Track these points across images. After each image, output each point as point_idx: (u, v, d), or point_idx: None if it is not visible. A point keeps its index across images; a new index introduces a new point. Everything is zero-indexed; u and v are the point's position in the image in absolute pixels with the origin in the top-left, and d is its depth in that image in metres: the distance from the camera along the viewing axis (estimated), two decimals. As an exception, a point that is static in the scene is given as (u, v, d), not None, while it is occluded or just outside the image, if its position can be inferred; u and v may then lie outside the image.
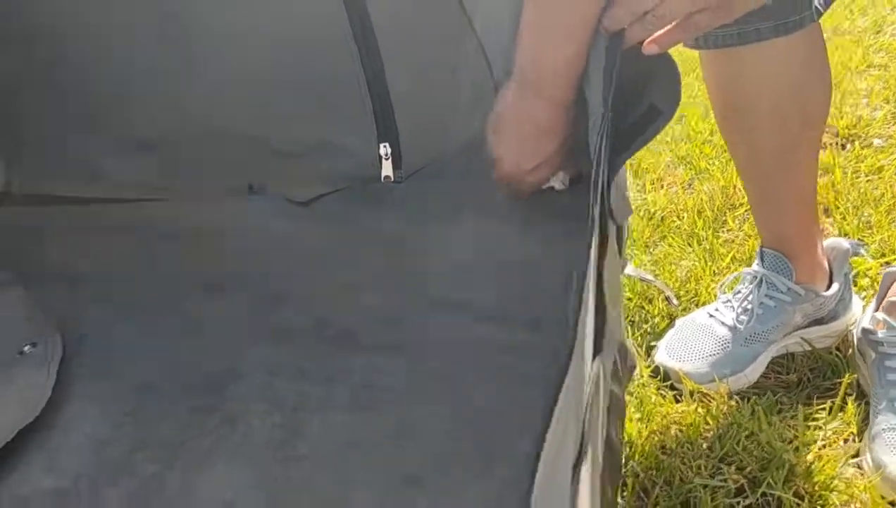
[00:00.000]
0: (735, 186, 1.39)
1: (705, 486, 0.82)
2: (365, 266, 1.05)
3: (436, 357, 0.87)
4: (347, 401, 0.84)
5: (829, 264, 1.05)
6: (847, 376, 0.97)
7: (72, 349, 0.93)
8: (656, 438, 0.90)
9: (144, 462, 0.79)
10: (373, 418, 0.81)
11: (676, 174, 1.48)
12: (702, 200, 1.36)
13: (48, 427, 0.82)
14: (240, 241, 1.13)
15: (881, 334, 0.94)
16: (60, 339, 0.94)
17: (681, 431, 0.90)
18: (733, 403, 0.95)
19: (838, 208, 1.35)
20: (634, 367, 0.78)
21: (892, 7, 2.48)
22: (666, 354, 1.01)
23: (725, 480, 0.83)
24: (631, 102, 0.72)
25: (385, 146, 1.15)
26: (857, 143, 1.58)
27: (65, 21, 1.12)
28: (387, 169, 1.16)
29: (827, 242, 1.06)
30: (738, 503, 0.80)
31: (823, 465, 0.85)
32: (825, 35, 0.93)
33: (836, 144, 1.60)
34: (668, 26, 0.67)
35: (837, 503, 0.82)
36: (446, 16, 1.01)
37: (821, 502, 0.81)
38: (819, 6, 0.88)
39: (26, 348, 0.93)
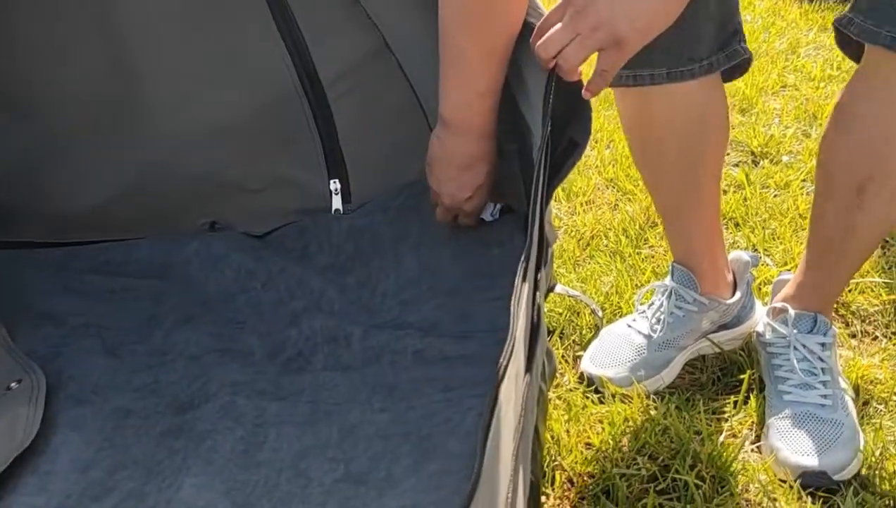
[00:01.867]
0: (645, 210, 1.52)
1: (622, 475, 0.94)
2: (316, 293, 1.16)
3: (378, 371, 0.98)
4: (300, 415, 0.95)
5: (734, 274, 1.19)
6: (749, 373, 1.10)
7: (53, 382, 1.02)
8: (582, 436, 1.02)
9: (125, 479, 0.88)
10: (322, 428, 0.91)
11: (604, 196, 1.61)
12: (626, 219, 1.50)
13: (38, 454, 0.91)
14: (204, 273, 1.23)
15: (768, 336, 1.08)
16: (42, 374, 1.03)
17: (603, 429, 1.03)
18: (650, 402, 1.07)
19: (747, 221, 1.49)
20: (556, 369, 0.91)
21: (809, 28, 2.67)
22: (590, 362, 1.13)
23: (640, 469, 0.95)
24: (555, 138, 0.85)
25: (335, 182, 1.27)
26: (767, 160, 1.73)
27: (37, 83, 1.21)
28: (336, 203, 1.28)
29: (730, 255, 1.20)
30: (651, 488, 0.92)
31: (726, 452, 0.98)
32: None
33: (749, 161, 1.75)
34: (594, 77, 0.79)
35: (738, 483, 0.95)
36: (386, 69, 1.13)
37: (722, 483, 0.94)
38: (720, 61, 1.02)
39: (13, 384, 1.02)
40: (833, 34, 0.96)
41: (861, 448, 0.97)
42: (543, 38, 0.79)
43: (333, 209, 1.28)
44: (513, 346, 0.58)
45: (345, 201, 1.27)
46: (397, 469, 0.83)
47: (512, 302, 0.63)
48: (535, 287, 0.72)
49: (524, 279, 0.65)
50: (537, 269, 0.73)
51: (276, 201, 1.30)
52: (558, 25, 0.78)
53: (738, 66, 1.04)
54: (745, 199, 1.57)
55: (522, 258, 0.67)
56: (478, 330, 0.99)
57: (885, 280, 1.29)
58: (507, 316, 0.63)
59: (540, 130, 0.80)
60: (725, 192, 1.62)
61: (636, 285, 1.31)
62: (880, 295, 1.26)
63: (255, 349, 1.07)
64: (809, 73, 2.25)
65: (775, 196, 1.58)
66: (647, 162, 1.12)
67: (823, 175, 1.01)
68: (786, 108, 2.01)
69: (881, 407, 1.05)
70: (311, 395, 0.97)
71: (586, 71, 0.79)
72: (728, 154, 1.80)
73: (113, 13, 1.17)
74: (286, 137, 1.24)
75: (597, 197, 1.61)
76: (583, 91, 0.81)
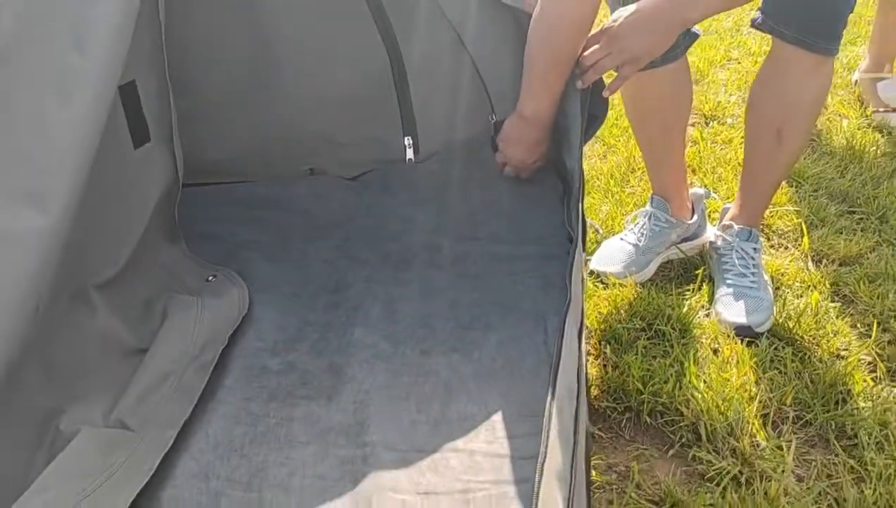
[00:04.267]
0: (634, 157, 2.03)
1: (624, 328, 1.46)
2: (406, 217, 1.64)
3: (464, 267, 1.47)
4: (416, 294, 1.44)
5: (693, 204, 1.71)
6: (702, 269, 1.63)
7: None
8: (595, 308, 1.54)
9: (310, 332, 1.37)
10: (434, 301, 1.40)
11: (595, 149, 2.12)
12: (612, 166, 2.01)
13: (248, 319, 1.39)
14: (316, 205, 1.71)
15: (719, 243, 1.61)
16: (230, 269, 1.50)
17: (608, 304, 1.55)
18: (638, 288, 1.60)
19: (701, 168, 2.01)
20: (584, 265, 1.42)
21: (752, 8, 3.18)
22: (597, 263, 1.65)
23: (634, 325, 1.47)
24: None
25: (408, 138, 1.74)
26: (715, 122, 2.26)
27: (196, 63, 1.65)
28: (409, 154, 1.75)
29: (691, 190, 1.72)
30: (642, 336, 1.45)
31: (688, 315, 1.50)
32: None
33: (702, 123, 2.27)
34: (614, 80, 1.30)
35: (696, 333, 1.47)
36: (459, 60, 1.60)
37: (685, 333, 1.46)
38: (684, 46, 1.52)
39: (210, 278, 1.49)
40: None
41: (773, 313, 1.51)
42: (587, 52, 1.28)
43: (406, 159, 1.76)
44: (575, 247, 1.08)
45: (415, 152, 1.75)
46: (492, 320, 1.34)
47: (572, 215, 1.14)
48: (582, 216, 1.23)
49: (577, 216, 1.15)
50: (582, 206, 1.24)
51: (362, 153, 1.77)
52: (596, 45, 1.28)
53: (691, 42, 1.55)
54: (699, 151, 2.09)
55: (573, 199, 1.18)
56: (529, 238, 1.49)
57: (795, 209, 1.83)
58: (548, 227, 1.12)
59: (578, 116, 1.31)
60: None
61: (623, 212, 1.82)
62: (792, 219, 1.80)
63: (370, 257, 1.55)
64: (750, 49, 2.77)
65: (721, 149, 2.10)
66: (640, 125, 1.62)
67: (752, 125, 1.52)
68: (730, 78, 2.53)
69: (787, 289, 1.59)
70: (421, 283, 1.46)
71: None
72: (686, 116, 2.32)
73: (258, 12, 1.61)
74: (375, 104, 1.71)
75: (589, 150, 2.12)
76: (604, 91, 1.31)
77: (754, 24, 1.44)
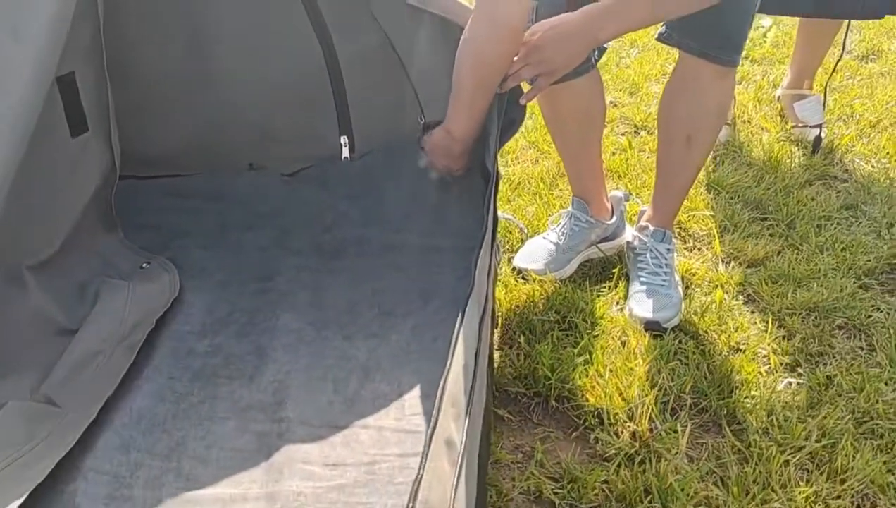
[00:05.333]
0: (558, 164, 2.12)
1: (538, 320, 1.54)
2: (341, 210, 1.71)
3: (391, 257, 1.55)
4: (344, 282, 1.51)
5: (612, 205, 1.80)
6: (619, 268, 1.72)
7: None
8: (513, 302, 1.62)
9: (238, 316, 1.43)
10: (360, 289, 1.48)
11: (528, 154, 2.21)
12: (543, 170, 2.10)
13: (179, 304, 1.45)
14: (255, 198, 1.77)
15: (635, 243, 1.70)
16: (164, 258, 1.56)
17: (526, 298, 1.63)
18: (557, 284, 1.68)
19: (627, 173, 2.11)
20: (500, 259, 1.50)
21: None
22: (519, 260, 1.73)
23: (549, 317, 1.56)
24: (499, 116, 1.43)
25: (344, 138, 1.81)
26: (645, 131, 2.36)
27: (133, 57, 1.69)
28: (345, 152, 1.82)
29: (611, 193, 1.81)
30: (555, 327, 1.53)
31: (602, 310, 1.59)
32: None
33: (632, 132, 2.38)
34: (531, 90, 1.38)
35: (608, 326, 1.56)
36: (388, 60, 1.67)
37: (597, 324, 1.55)
38: (595, 59, 1.61)
39: (144, 264, 1.54)
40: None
41: (681, 310, 1.60)
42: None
43: (343, 157, 1.83)
44: (483, 239, 1.16)
45: (351, 151, 1.82)
46: (412, 307, 1.41)
47: (485, 209, 1.22)
48: (494, 212, 1.31)
49: (488, 211, 1.23)
50: (494, 202, 1.33)
51: (299, 149, 1.83)
52: (517, 57, 1.35)
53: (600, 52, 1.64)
54: (627, 159, 2.19)
55: (487, 196, 1.25)
56: (453, 232, 1.57)
57: (711, 214, 1.93)
58: (472, 222, 1.20)
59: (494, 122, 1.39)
60: (614, 153, 2.24)
61: (549, 213, 1.91)
62: (707, 223, 1.90)
63: (304, 247, 1.62)
64: (684, 64, 2.89)
65: (648, 158, 2.21)
66: (557, 132, 1.71)
67: (663, 131, 1.62)
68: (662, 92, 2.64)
69: (696, 288, 1.69)
70: (350, 273, 1.53)
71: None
72: (618, 126, 2.43)
73: (193, 5, 1.66)
74: (312, 102, 1.77)
75: (522, 155, 2.21)
76: (520, 99, 1.39)
77: (660, 38, 1.54)
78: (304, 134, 1.81)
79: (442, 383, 0.95)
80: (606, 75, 2.75)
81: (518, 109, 1.50)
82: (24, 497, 1.01)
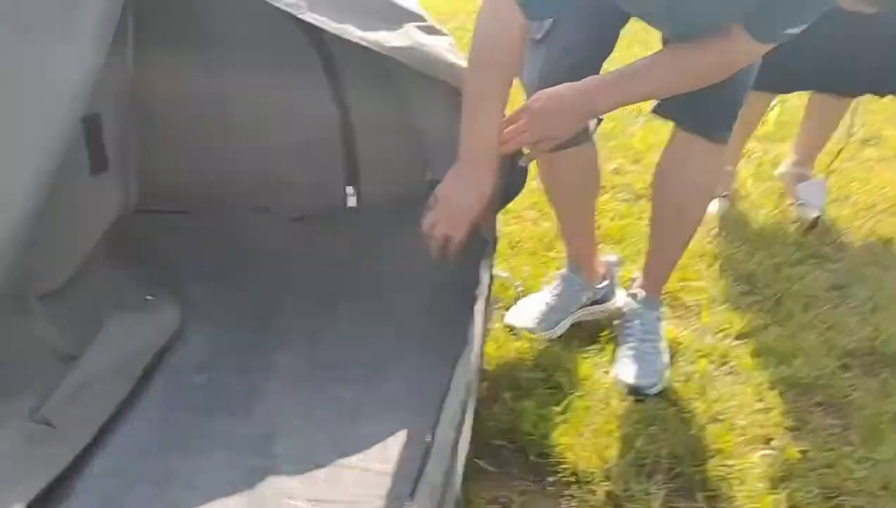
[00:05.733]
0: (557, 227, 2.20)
1: (525, 377, 1.60)
2: (337, 257, 1.77)
3: (392, 306, 1.61)
4: (338, 326, 1.57)
5: (605, 270, 1.86)
6: (608, 331, 1.77)
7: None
8: (502, 357, 1.67)
9: (237, 352, 1.49)
10: (352, 332, 1.54)
11: (529, 214, 2.28)
12: (542, 231, 2.17)
13: (179, 336, 1.51)
14: (258, 239, 1.83)
15: (625, 309, 1.76)
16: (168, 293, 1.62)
17: (515, 354, 1.68)
18: (547, 343, 1.73)
19: (625, 239, 2.18)
20: (493, 316, 1.56)
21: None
22: (512, 317, 1.79)
23: (535, 374, 1.61)
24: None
25: (350, 188, 1.89)
26: (645, 199, 2.43)
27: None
28: (351, 202, 1.90)
29: (604, 258, 1.88)
30: (541, 384, 1.58)
31: (587, 371, 1.64)
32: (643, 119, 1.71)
33: (633, 199, 2.45)
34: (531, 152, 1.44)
35: (592, 387, 1.61)
36: (400, 122, 1.75)
37: (583, 386, 1.60)
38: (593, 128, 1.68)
39: (148, 297, 1.61)
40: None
41: (665, 377, 1.65)
42: (509, 128, 1.43)
43: (348, 206, 1.90)
44: (477, 298, 1.22)
45: (358, 201, 1.90)
46: (407, 356, 1.47)
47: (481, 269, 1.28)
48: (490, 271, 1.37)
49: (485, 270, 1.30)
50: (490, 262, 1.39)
51: (304, 196, 1.91)
52: (520, 122, 1.42)
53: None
54: (626, 226, 2.26)
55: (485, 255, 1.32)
56: (452, 286, 1.62)
57: (703, 285, 1.99)
58: (470, 280, 1.27)
59: None
60: (612, 219, 2.31)
61: (545, 273, 1.97)
62: (699, 294, 1.96)
63: (305, 290, 1.68)
64: (688, 137, 2.97)
65: (646, 225, 2.26)
66: (553, 196, 1.78)
67: (657, 204, 1.69)
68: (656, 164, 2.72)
69: (681, 356, 1.74)
70: (347, 319, 1.59)
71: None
72: (619, 193, 2.51)
73: (216, 57, 1.75)
74: (324, 155, 1.85)
75: (523, 214, 2.28)
76: (520, 161, 1.46)
77: (655, 111, 1.61)
78: (313, 182, 1.89)
79: (432, 433, 1.01)
80: (612, 143, 2.84)
81: (520, 171, 1.57)
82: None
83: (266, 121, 1.83)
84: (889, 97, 2.32)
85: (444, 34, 1.52)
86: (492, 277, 1.43)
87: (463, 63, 1.46)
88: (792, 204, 2.42)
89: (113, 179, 1.60)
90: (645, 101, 1.55)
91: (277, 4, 1.27)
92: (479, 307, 1.31)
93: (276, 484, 1.21)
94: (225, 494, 1.19)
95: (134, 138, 1.63)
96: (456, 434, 1.09)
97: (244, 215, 1.90)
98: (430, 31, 1.48)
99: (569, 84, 1.43)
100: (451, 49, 1.50)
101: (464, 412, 1.14)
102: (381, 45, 1.37)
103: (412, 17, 1.46)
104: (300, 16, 1.30)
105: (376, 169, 1.88)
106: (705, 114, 1.55)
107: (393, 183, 1.86)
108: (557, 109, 1.43)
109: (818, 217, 2.28)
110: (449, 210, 1.43)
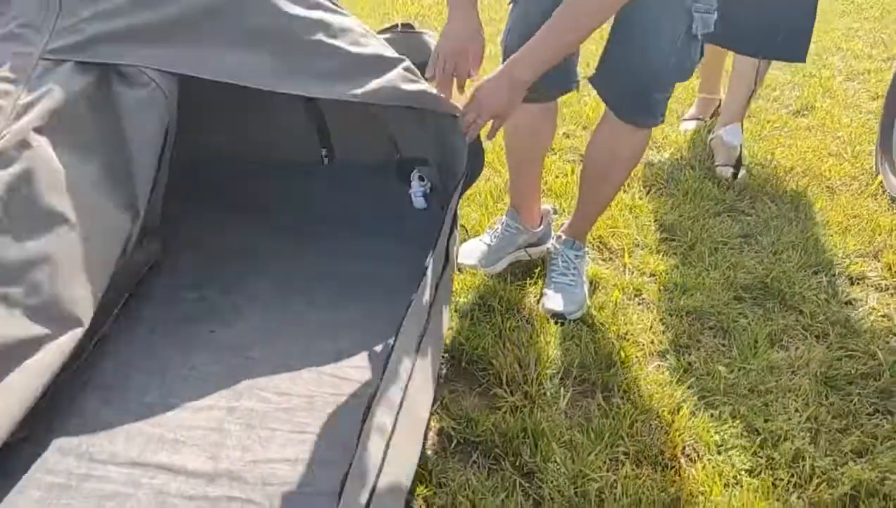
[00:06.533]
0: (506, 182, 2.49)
1: (464, 302, 1.90)
2: (314, 201, 2.07)
3: (357, 245, 1.90)
4: (313, 256, 1.87)
5: (542, 217, 2.16)
6: (540, 270, 2.07)
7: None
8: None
9: (224, 277, 1.78)
10: (318, 265, 1.84)
11: (483, 173, 2.57)
12: (492, 187, 2.47)
13: (173, 263, 1.81)
14: (239, 185, 2.12)
15: (551, 248, 2.06)
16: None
17: (458, 286, 1.98)
18: (486, 278, 2.03)
19: (565, 194, 2.48)
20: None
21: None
22: (459, 257, 2.09)
23: (472, 300, 1.91)
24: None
25: (324, 150, 2.18)
26: (588, 160, 2.72)
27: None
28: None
29: (543, 206, 2.17)
30: (477, 308, 1.88)
31: (518, 299, 1.94)
32: None
33: (578, 161, 2.74)
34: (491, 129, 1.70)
35: (522, 312, 1.91)
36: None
37: (512, 310, 1.90)
38: (555, 93, 1.96)
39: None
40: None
41: (584, 306, 1.95)
42: (466, 120, 1.68)
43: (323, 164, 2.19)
44: (437, 242, 1.51)
45: (330, 162, 2.19)
46: (370, 290, 1.77)
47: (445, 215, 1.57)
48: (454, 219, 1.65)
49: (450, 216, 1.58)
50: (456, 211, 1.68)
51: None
52: (469, 113, 1.67)
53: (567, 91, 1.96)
54: (567, 183, 2.55)
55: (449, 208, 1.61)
56: (415, 235, 1.92)
57: (626, 232, 2.29)
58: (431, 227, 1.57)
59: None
60: (557, 177, 2.60)
61: (489, 220, 2.27)
62: (623, 240, 2.26)
63: (284, 228, 1.98)
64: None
65: (585, 182, 2.57)
66: (508, 143, 2.06)
67: (585, 168, 1.98)
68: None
69: (601, 290, 2.04)
70: (320, 255, 1.88)
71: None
72: (566, 154, 2.80)
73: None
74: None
75: (478, 172, 2.57)
76: (487, 135, 1.73)
77: (590, 80, 1.84)
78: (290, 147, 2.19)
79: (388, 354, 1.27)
80: (566, 109, 3.12)
81: (477, 158, 1.73)
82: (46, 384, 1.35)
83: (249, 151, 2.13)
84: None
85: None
86: (455, 223, 1.68)
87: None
88: (718, 165, 2.71)
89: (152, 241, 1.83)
90: (564, 55, 1.65)
91: (282, 90, 1.50)
92: (439, 250, 1.55)
93: (251, 379, 1.51)
94: (209, 384, 1.49)
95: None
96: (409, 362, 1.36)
97: (232, 169, 2.19)
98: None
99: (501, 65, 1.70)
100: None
101: (422, 336, 1.39)
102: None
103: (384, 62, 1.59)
104: (310, 95, 1.53)
105: (347, 141, 2.18)
106: (631, 104, 1.77)
107: (362, 152, 2.17)
108: (492, 90, 1.61)
109: (736, 173, 2.59)
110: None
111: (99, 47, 1.44)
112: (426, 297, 1.35)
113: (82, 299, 1.33)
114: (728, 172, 2.65)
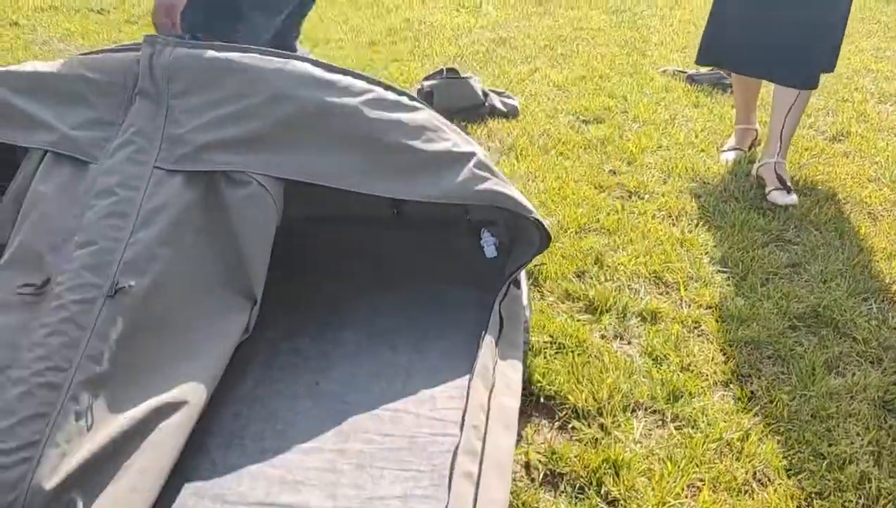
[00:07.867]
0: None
1: (535, 340, 2.03)
2: (385, 255, 2.22)
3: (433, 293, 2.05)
4: (393, 304, 2.02)
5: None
6: (603, 309, 2.20)
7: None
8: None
9: (311, 328, 1.94)
10: (405, 308, 1.99)
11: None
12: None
13: (266, 316, 1.96)
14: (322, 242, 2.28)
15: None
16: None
17: (535, 328, 2.12)
18: (555, 317, 2.17)
19: (618, 231, 2.61)
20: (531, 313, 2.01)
21: (686, 103, 3.82)
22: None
23: (549, 342, 2.04)
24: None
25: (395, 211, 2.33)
26: (636, 197, 2.86)
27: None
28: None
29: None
30: (550, 346, 2.02)
31: (585, 336, 2.08)
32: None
33: (626, 196, 2.88)
34: None
35: (594, 349, 2.04)
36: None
37: (583, 347, 2.03)
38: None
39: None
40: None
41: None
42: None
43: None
44: (503, 290, 1.65)
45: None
46: (447, 334, 1.91)
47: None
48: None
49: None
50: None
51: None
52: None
53: None
54: (619, 219, 2.69)
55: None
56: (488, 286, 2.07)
57: (680, 266, 2.42)
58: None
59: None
60: (608, 214, 2.74)
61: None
62: (677, 274, 2.38)
63: (360, 276, 2.13)
64: (677, 139, 3.40)
65: (637, 218, 2.70)
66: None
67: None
68: (655, 163, 3.15)
69: (661, 324, 2.16)
70: (399, 303, 2.04)
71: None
72: (615, 191, 2.94)
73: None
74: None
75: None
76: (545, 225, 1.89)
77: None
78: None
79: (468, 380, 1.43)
80: (609, 147, 3.26)
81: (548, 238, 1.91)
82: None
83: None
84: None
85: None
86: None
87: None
88: (770, 190, 2.83)
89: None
90: None
91: (367, 190, 1.75)
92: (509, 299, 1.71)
93: (353, 423, 1.66)
94: (316, 429, 1.64)
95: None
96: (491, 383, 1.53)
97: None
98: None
99: None
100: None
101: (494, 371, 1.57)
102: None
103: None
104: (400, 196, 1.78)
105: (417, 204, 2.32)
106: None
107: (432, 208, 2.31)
108: None
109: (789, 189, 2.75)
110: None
111: (206, 156, 1.67)
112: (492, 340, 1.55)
113: (212, 379, 1.61)
114: (783, 196, 2.76)
